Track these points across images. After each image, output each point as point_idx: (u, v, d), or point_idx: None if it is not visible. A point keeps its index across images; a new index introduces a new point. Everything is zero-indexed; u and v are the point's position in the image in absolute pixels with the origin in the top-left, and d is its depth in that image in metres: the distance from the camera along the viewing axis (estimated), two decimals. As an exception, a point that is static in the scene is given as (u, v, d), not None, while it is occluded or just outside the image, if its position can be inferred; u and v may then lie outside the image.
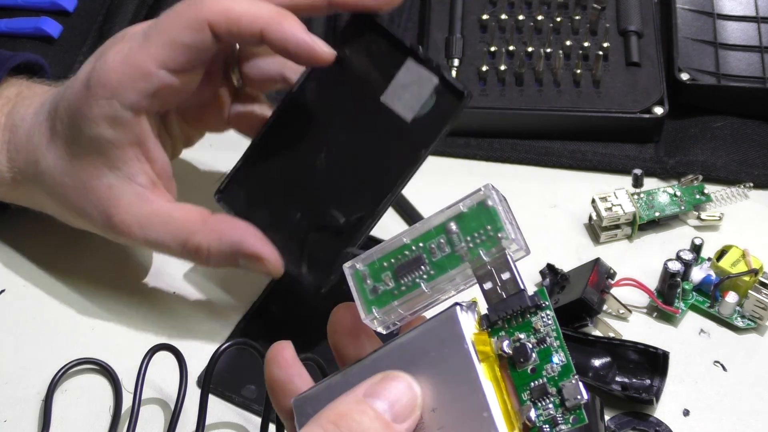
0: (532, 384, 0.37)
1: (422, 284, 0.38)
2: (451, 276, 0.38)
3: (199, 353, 0.55)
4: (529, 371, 0.37)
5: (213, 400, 0.53)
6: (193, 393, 0.52)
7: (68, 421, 0.53)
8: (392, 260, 0.39)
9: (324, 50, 0.51)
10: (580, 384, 0.36)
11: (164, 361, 0.52)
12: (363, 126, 0.53)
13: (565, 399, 0.36)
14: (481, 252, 0.37)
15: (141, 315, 0.57)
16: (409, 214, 0.62)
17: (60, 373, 0.54)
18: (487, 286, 0.38)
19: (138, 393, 0.51)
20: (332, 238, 0.52)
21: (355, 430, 0.36)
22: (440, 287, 0.38)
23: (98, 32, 0.72)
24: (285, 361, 0.42)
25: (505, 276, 0.37)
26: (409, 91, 0.51)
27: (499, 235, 0.37)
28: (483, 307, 0.39)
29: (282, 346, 0.42)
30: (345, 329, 0.42)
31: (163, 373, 0.54)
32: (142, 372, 0.51)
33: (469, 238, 0.38)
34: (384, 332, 0.40)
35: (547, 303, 0.37)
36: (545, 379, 0.36)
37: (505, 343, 0.37)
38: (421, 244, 0.38)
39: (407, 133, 0.51)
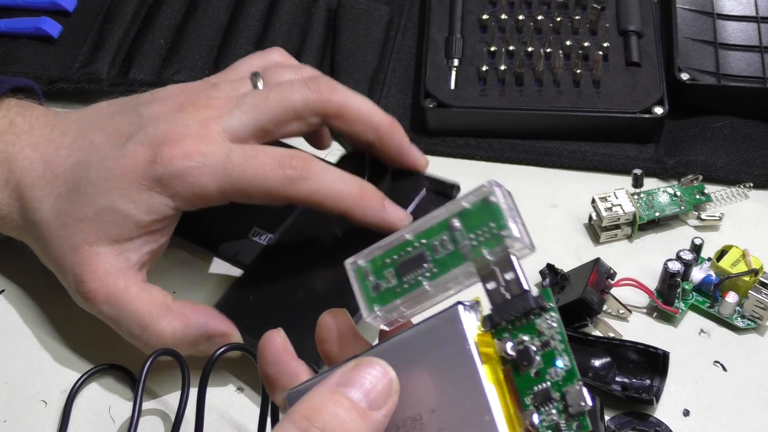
0: (536, 388, 0.35)
1: (425, 282, 0.37)
2: (454, 275, 0.37)
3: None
4: (532, 375, 0.36)
5: (214, 401, 0.53)
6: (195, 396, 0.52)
7: (71, 425, 0.53)
8: (395, 257, 0.38)
9: (400, 223, 0.53)
10: (585, 390, 0.35)
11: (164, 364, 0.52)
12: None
13: (569, 405, 0.35)
14: (484, 251, 0.36)
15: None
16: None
17: (82, 378, 0.54)
18: (491, 286, 0.36)
19: (138, 398, 0.51)
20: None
21: (330, 422, 0.35)
22: (443, 286, 0.37)
23: (98, 32, 0.72)
24: (274, 356, 0.41)
25: (509, 276, 0.36)
26: None
27: (503, 233, 0.36)
28: (486, 307, 0.38)
29: (270, 339, 0.41)
30: (333, 337, 0.41)
31: (163, 377, 0.54)
32: (144, 376, 0.51)
33: (472, 236, 0.36)
34: (387, 329, 0.39)
35: (551, 305, 0.36)
36: (549, 384, 0.35)
37: (509, 345, 0.36)
38: (423, 241, 0.37)
39: None
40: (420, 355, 0.37)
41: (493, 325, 0.36)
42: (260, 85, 0.55)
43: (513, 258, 0.36)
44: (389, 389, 0.37)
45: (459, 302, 0.37)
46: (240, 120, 0.52)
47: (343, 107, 0.54)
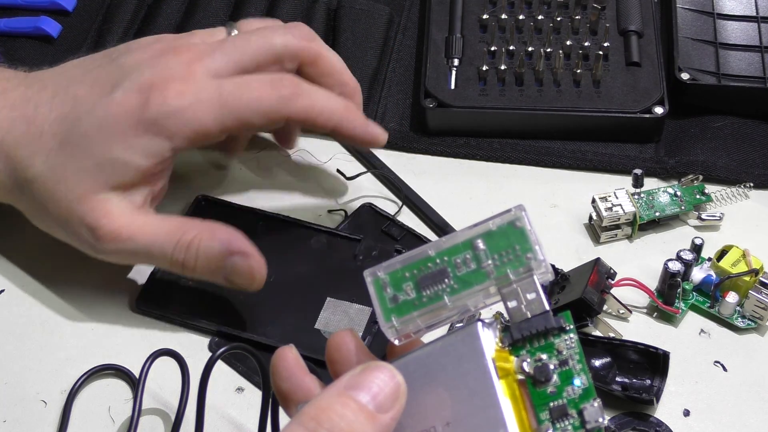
0: (552, 404, 0.37)
1: (445, 297, 0.38)
2: (474, 292, 0.38)
3: (199, 354, 0.55)
4: (548, 391, 0.37)
5: (214, 401, 0.53)
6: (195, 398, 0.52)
7: (71, 425, 0.53)
8: (415, 271, 0.39)
9: (382, 136, 0.57)
10: (602, 408, 0.36)
11: (165, 365, 0.52)
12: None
13: (586, 421, 0.36)
14: (508, 271, 0.38)
15: (141, 315, 0.57)
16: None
17: (82, 378, 0.54)
18: (512, 304, 0.38)
19: (138, 398, 0.51)
20: None
21: (338, 423, 0.36)
22: (462, 302, 0.39)
23: (97, 32, 0.72)
24: (287, 371, 0.41)
25: (531, 296, 0.38)
26: None
27: (528, 255, 0.38)
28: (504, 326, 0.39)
29: (282, 355, 0.42)
30: (345, 358, 0.41)
31: (163, 377, 0.54)
32: (144, 376, 0.51)
33: (496, 256, 0.38)
34: (397, 343, 0.39)
35: (571, 326, 0.37)
36: (565, 401, 0.37)
37: (526, 361, 0.37)
38: (446, 258, 0.39)
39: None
40: (436, 369, 0.38)
41: (512, 342, 0.38)
42: (235, 33, 0.56)
43: (536, 279, 0.38)
44: (396, 393, 0.37)
45: (479, 319, 0.38)
46: (222, 60, 0.53)
47: (320, 56, 0.56)
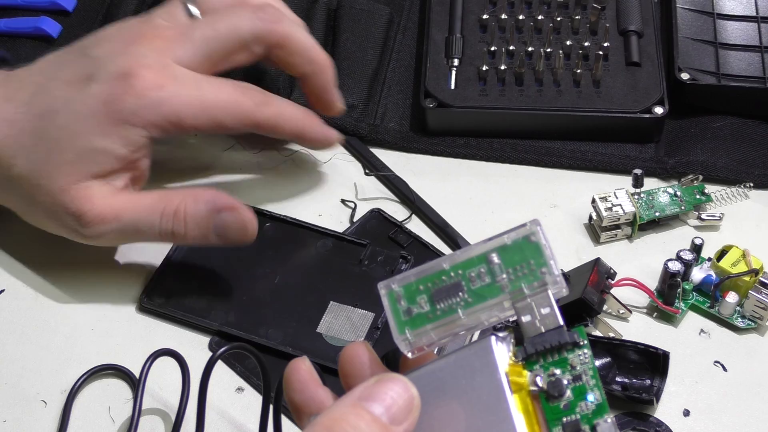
0: (565, 419, 0.37)
1: (459, 310, 0.38)
2: (488, 305, 0.38)
3: (199, 354, 0.55)
4: (561, 406, 0.37)
5: (214, 401, 0.53)
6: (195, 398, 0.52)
7: (71, 425, 0.53)
8: (429, 284, 0.39)
9: (338, 137, 0.61)
10: (615, 425, 0.36)
11: (165, 365, 0.52)
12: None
13: None
14: (522, 285, 0.38)
15: (141, 314, 0.57)
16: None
17: (82, 378, 0.54)
18: (526, 318, 0.38)
19: (138, 398, 0.51)
20: None
21: None
22: (476, 315, 0.39)
23: (98, 32, 0.72)
24: (300, 383, 0.41)
25: (545, 311, 0.38)
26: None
27: (543, 270, 0.38)
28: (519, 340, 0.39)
29: (296, 367, 0.41)
30: (359, 371, 0.41)
31: (163, 377, 0.54)
32: (144, 376, 0.51)
33: (510, 270, 0.38)
34: (410, 356, 0.39)
35: (585, 342, 0.37)
36: (578, 416, 0.37)
37: (540, 376, 0.37)
38: (460, 271, 0.39)
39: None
40: (450, 382, 0.38)
41: (525, 356, 0.38)
42: (193, 10, 0.56)
43: (550, 294, 0.38)
44: (410, 405, 0.37)
45: (492, 333, 0.38)
46: (192, 50, 0.54)
47: (287, 38, 0.57)
